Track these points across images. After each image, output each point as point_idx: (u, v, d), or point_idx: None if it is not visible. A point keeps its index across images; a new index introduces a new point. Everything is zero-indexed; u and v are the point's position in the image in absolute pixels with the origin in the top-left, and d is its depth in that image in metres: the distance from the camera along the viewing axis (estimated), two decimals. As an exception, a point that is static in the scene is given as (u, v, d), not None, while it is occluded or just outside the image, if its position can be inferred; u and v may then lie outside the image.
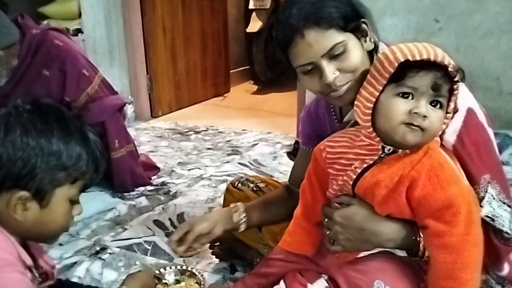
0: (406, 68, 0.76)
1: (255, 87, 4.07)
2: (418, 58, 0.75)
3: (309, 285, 0.92)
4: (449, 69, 0.75)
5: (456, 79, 0.76)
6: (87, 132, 0.77)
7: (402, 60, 0.76)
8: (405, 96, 0.77)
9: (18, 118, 0.71)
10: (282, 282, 1.01)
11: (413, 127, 0.76)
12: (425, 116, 0.75)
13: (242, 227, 1.14)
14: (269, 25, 3.68)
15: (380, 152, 0.82)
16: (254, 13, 3.76)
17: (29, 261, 0.75)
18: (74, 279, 1.32)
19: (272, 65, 3.97)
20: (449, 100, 0.78)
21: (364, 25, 0.89)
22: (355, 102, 0.84)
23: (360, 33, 0.89)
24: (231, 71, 3.94)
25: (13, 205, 0.71)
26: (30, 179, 0.71)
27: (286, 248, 1.01)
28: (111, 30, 2.87)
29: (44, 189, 0.72)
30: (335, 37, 0.85)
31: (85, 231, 1.61)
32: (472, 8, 1.94)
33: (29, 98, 0.75)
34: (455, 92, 0.78)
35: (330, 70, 0.86)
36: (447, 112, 0.79)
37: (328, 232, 0.89)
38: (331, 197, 0.91)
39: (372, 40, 0.91)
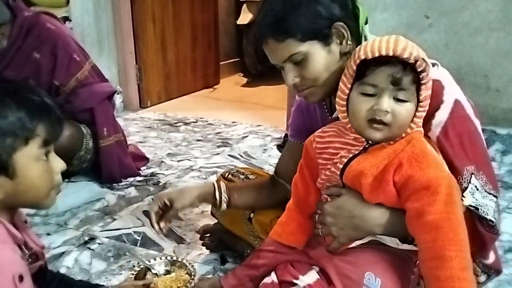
0: (365, 66, 0.79)
1: (245, 80, 4.06)
2: (375, 55, 0.77)
3: (300, 276, 0.93)
4: (409, 61, 0.76)
5: (420, 69, 0.77)
6: (22, 91, 0.75)
7: (361, 58, 0.79)
8: (368, 94, 0.80)
9: None
10: (273, 274, 1.01)
11: (375, 124, 0.79)
12: (387, 111, 0.78)
13: (223, 206, 1.15)
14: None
15: (365, 143, 0.84)
16: (244, 5, 3.74)
17: (19, 237, 0.74)
18: (63, 269, 1.31)
19: (262, 58, 3.94)
20: (418, 89, 0.79)
21: (337, 30, 0.90)
22: (336, 99, 0.87)
23: (328, 39, 0.90)
24: (220, 63, 3.92)
25: None
26: None
27: (277, 238, 1.02)
28: (100, 19, 2.82)
29: (1, 161, 0.70)
30: (291, 48, 0.89)
31: (73, 220, 1.59)
32: (462, 5, 1.96)
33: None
34: (423, 81, 0.78)
35: (290, 76, 0.92)
36: (419, 101, 0.80)
37: (321, 228, 0.90)
38: (321, 187, 0.92)
39: (349, 42, 0.91)
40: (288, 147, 1.21)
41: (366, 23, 0.95)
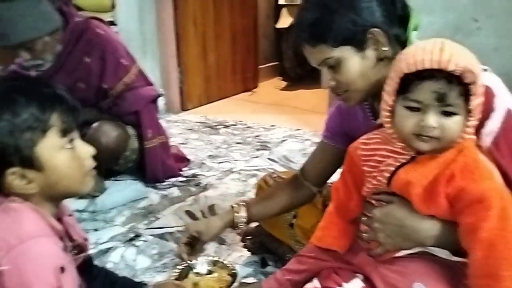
0: (408, 80, 0.76)
1: (284, 83, 4.06)
2: (417, 68, 0.74)
3: (344, 284, 0.92)
4: (455, 73, 0.72)
5: (467, 81, 0.73)
6: (31, 86, 0.76)
7: (403, 73, 0.76)
8: (414, 108, 0.77)
9: None
10: (315, 280, 1.01)
11: (423, 137, 0.76)
12: (434, 127, 0.75)
13: (242, 226, 1.17)
14: (300, 21, 3.66)
15: (413, 152, 0.82)
16: (284, 9, 3.75)
17: (59, 228, 0.77)
18: (109, 264, 1.36)
19: (302, 61, 3.94)
20: (467, 100, 0.75)
21: (373, 36, 0.89)
22: (380, 105, 0.85)
23: (362, 45, 0.89)
24: (259, 67, 3.95)
25: (14, 185, 0.73)
26: (5, 157, 0.71)
27: (317, 243, 1.01)
28: (144, 23, 2.92)
29: (24, 156, 0.72)
30: (324, 53, 0.90)
31: (120, 218, 1.66)
32: (513, 8, 1.88)
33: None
34: (471, 92, 0.74)
35: (326, 79, 0.94)
36: (469, 112, 0.76)
37: (366, 233, 0.89)
38: (368, 195, 0.91)
39: (385, 48, 0.90)
40: (319, 148, 1.20)
41: (415, 29, 0.93)
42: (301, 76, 4.10)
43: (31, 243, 0.70)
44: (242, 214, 1.15)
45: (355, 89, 0.93)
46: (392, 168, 0.83)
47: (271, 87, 3.97)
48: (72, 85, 1.72)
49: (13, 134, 0.71)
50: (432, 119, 0.75)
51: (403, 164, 0.82)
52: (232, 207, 1.17)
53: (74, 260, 0.83)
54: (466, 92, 0.74)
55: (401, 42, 0.92)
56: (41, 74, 1.73)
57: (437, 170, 0.78)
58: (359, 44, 0.90)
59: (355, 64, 0.91)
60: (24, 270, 0.67)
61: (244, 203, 1.18)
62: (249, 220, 1.16)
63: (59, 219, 0.80)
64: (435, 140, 0.77)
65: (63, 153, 0.76)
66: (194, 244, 1.15)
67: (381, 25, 0.89)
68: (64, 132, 0.76)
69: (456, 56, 0.73)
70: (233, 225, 1.16)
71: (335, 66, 0.91)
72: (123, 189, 1.83)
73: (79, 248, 0.87)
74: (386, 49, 0.90)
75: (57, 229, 0.77)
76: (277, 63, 4.25)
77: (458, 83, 0.73)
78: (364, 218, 0.88)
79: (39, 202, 0.76)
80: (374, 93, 0.96)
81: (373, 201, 0.88)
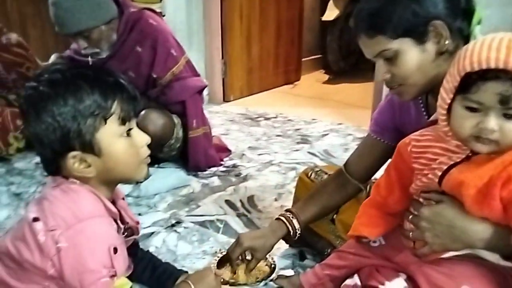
0: (470, 79, 0.71)
1: (326, 77, 4.00)
2: (482, 67, 0.69)
3: (386, 282, 0.90)
4: None
5: None
6: (95, 73, 0.79)
7: (465, 71, 0.71)
8: (473, 109, 0.72)
9: (33, 98, 0.75)
10: (356, 276, 1.00)
11: (482, 139, 0.72)
12: (495, 130, 0.71)
13: (298, 233, 1.17)
14: (345, 14, 3.58)
15: (468, 151, 0.78)
16: (331, 1, 3.67)
17: (114, 211, 0.81)
18: (152, 248, 1.41)
19: (346, 54, 3.88)
20: None
21: (435, 28, 0.85)
22: (437, 101, 0.81)
23: (423, 38, 0.86)
24: (302, 59, 3.91)
25: (74, 168, 0.76)
26: (68, 141, 0.74)
27: (352, 233, 0.98)
28: (191, 15, 2.97)
29: (85, 142, 0.75)
30: (381, 44, 0.88)
31: (162, 204, 1.71)
32: None
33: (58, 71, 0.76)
34: None
35: (382, 71, 0.92)
36: None
37: (411, 231, 0.86)
38: (416, 193, 0.88)
39: (447, 42, 0.86)
40: (366, 142, 1.17)
41: (479, 23, 0.89)
42: (344, 69, 4.03)
43: (88, 223, 0.73)
44: (296, 225, 1.15)
45: (411, 83, 0.90)
46: (445, 167, 0.80)
47: (313, 80, 3.92)
48: (122, 73, 1.78)
49: (76, 119, 0.74)
50: (493, 122, 0.70)
51: (456, 163, 0.79)
52: (281, 220, 1.16)
53: (125, 242, 0.87)
54: None
55: (464, 37, 0.88)
56: (95, 61, 1.80)
57: (493, 171, 0.74)
58: (420, 37, 0.86)
59: (414, 57, 0.88)
60: (80, 248, 0.71)
61: (291, 214, 1.17)
62: (301, 229, 1.16)
63: (113, 202, 0.84)
64: (494, 143, 0.73)
65: (121, 141, 0.79)
66: (243, 258, 1.17)
67: (444, 18, 0.86)
68: (123, 120, 0.79)
69: None
70: (289, 238, 1.16)
71: (392, 59, 0.89)
72: (166, 176, 1.88)
73: (130, 230, 0.90)
74: (448, 42, 0.87)
75: (112, 211, 0.80)
76: (321, 56, 4.19)
77: None
78: (410, 216, 0.85)
79: (96, 185, 0.80)
80: (430, 88, 0.93)
81: (421, 199, 0.85)
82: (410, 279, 0.89)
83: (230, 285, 1.17)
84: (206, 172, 1.99)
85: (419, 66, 0.88)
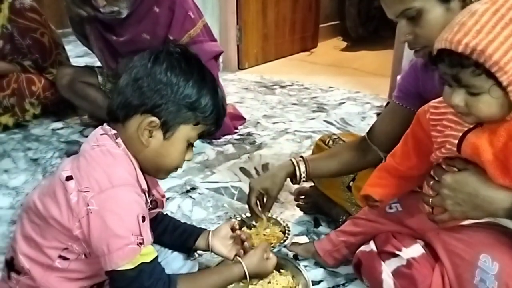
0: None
1: (344, 44, 3.89)
2: (437, 48, 0.69)
3: (403, 248, 0.89)
4: (465, 53, 0.65)
5: (481, 61, 0.65)
6: (218, 87, 0.84)
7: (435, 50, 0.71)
8: (447, 84, 0.72)
9: (167, 56, 0.78)
10: (372, 243, 0.99)
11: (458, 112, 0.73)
12: (459, 105, 0.70)
13: (301, 182, 1.15)
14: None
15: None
16: (350, -36, 3.53)
17: (144, 185, 0.81)
18: (167, 213, 1.42)
19: (365, 20, 3.75)
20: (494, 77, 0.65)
21: None
22: None
23: None
24: (320, 26, 3.79)
25: (142, 128, 0.77)
26: (162, 110, 0.77)
27: (362, 193, 0.96)
28: (205, -22, 2.88)
29: (171, 122, 0.78)
30: (404, 2, 0.84)
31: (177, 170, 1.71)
32: None
33: (177, 45, 0.82)
34: (493, 70, 0.65)
35: (403, 32, 0.88)
36: (503, 88, 0.66)
37: (432, 198, 0.83)
38: (437, 160, 0.84)
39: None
40: (390, 109, 1.13)
41: None
42: (363, 36, 3.90)
43: (121, 189, 0.74)
44: (302, 168, 1.13)
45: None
46: (459, 134, 0.76)
47: (330, 47, 3.82)
48: (138, 36, 1.77)
49: (183, 103, 0.78)
50: (457, 98, 0.70)
51: (471, 129, 0.76)
52: (291, 160, 1.15)
53: (149, 214, 0.87)
54: (487, 71, 0.65)
55: None
56: (113, 20, 1.77)
57: (506, 137, 0.71)
58: None
59: (438, 16, 0.83)
60: (110, 213, 0.71)
61: (302, 158, 1.15)
62: (308, 176, 1.14)
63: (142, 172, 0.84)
64: (471, 115, 0.71)
65: (184, 143, 0.81)
66: (261, 203, 1.16)
67: None
68: (201, 135, 0.83)
69: (471, 35, 0.65)
70: (294, 177, 1.14)
71: (415, 18, 0.85)
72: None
73: (155, 203, 0.91)
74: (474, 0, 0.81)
75: (143, 184, 0.81)
76: (339, 22, 4.06)
77: (473, 63, 0.66)
78: (431, 182, 0.83)
79: (137, 154, 0.80)
80: None
81: (443, 166, 0.82)
82: (428, 246, 0.88)
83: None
84: (221, 140, 1.98)
85: (444, 26, 0.82)
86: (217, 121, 0.83)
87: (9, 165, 1.73)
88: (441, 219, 0.82)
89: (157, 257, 0.76)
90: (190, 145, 0.83)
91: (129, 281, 0.72)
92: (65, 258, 0.76)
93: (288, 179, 1.16)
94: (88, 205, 0.71)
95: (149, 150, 0.79)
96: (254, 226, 1.29)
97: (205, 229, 1.07)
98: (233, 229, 1.03)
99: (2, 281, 0.84)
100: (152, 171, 0.84)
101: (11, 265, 0.80)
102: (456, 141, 0.77)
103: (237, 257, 0.94)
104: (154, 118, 0.77)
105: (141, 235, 0.73)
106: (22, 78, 2.04)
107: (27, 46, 2.04)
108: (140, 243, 0.72)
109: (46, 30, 2.08)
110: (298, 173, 1.13)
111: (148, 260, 0.74)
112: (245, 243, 0.99)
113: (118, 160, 0.77)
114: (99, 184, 0.72)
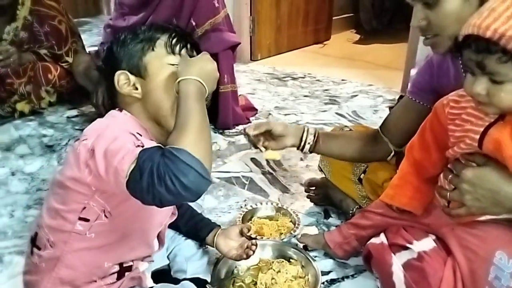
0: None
1: (357, 36, 3.85)
2: (464, 34, 0.69)
3: (414, 241, 0.89)
4: (493, 39, 0.64)
5: (509, 47, 0.64)
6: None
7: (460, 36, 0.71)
8: (471, 72, 0.71)
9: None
10: (382, 235, 0.99)
11: (479, 102, 0.72)
12: (480, 94, 0.69)
13: (306, 149, 1.12)
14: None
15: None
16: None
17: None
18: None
19: (379, 13, 3.70)
20: None
21: None
22: None
23: None
24: (333, 18, 3.76)
25: (121, 86, 0.80)
26: (118, 62, 0.81)
27: (389, 201, 0.98)
28: (219, -32, 2.87)
29: (132, 63, 0.80)
30: None
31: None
32: None
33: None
34: None
35: (417, 17, 0.87)
36: None
37: (450, 192, 0.82)
38: (454, 156, 0.84)
39: None
40: (403, 104, 1.12)
41: None
42: (376, 29, 3.87)
43: (115, 126, 0.75)
44: (309, 139, 1.11)
45: (447, 35, 0.85)
46: (480, 129, 0.76)
47: (343, 40, 3.79)
48: (168, 20, 1.79)
49: (127, 45, 0.82)
50: (480, 87, 0.69)
51: (491, 124, 0.75)
52: (305, 127, 1.13)
53: None
54: None
55: None
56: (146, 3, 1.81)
57: None
58: None
59: (455, 6, 0.82)
60: (106, 140, 0.70)
61: (314, 130, 1.13)
62: (313, 149, 1.12)
63: None
64: (492, 105, 0.70)
65: (168, 67, 0.80)
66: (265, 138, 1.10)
67: None
68: (172, 49, 0.81)
69: (500, 20, 0.65)
70: (300, 142, 1.11)
71: (432, 4, 0.84)
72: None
73: None
74: None
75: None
76: (352, 14, 4.02)
77: (501, 50, 0.65)
78: (450, 176, 0.82)
79: (144, 119, 0.81)
80: None
81: (462, 160, 0.81)
82: (439, 240, 0.88)
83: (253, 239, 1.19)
84: (232, 131, 1.98)
85: (459, 16, 0.82)
86: (164, 28, 0.83)
87: (25, 151, 1.77)
88: (457, 213, 0.81)
89: (159, 146, 0.69)
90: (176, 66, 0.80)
91: (136, 177, 0.64)
92: (85, 220, 0.76)
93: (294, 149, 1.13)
94: (90, 148, 0.71)
95: (145, 99, 0.80)
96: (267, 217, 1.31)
97: (218, 226, 1.09)
98: (242, 233, 1.05)
99: (26, 257, 0.86)
100: (166, 114, 0.80)
101: (34, 241, 0.82)
102: (478, 136, 0.76)
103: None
104: (118, 71, 0.80)
105: (138, 140, 0.69)
106: (39, 66, 2.07)
107: (45, 33, 2.06)
108: (140, 146, 0.68)
109: (63, 18, 2.10)
110: (303, 141, 1.11)
111: (146, 147, 0.67)
112: (249, 251, 1.00)
113: (118, 118, 0.79)
114: (96, 130, 0.74)
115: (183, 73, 0.74)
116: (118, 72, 0.80)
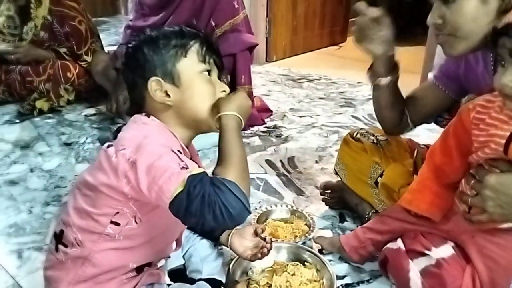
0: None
1: (374, 39, 3.82)
2: (506, 21, 0.68)
3: (433, 248, 0.88)
4: None
5: None
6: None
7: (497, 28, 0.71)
8: (502, 64, 0.71)
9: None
10: (399, 240, 0.98)
11: (507, 95, 0.71)
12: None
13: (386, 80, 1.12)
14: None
15: None
16: (384, -44, 3.45)
17: (186, 151, 0.81)
18: (194, 201, 1.45)
19: (397, 16, 3.66)
20: None
21: None
22: None
23: None
24: (350, 20, 3.74)
25: (153, 92, 0.79)
26: (151, 68, 0.80)
27: (407, 206, 0.97)
28: (236, -30, 2.87)
29: (166, 69, 0.79)
30: None
31: (205, 160, 1.73)
32: None
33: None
34: None
35: (433, 14, 0.87)
36: None
37: (471, 197, 0.82)
38: (477, 162, 0.82)
39: None
40: (426, 86, 1.12)
41: None
42: (393, 32, 3.82)
43: (153, 136, 0.75)
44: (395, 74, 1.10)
45: (461, 36, 0.85)
46: (506, 133, 0.74)
47: (360, 42, 3.76)
48: (188, 20, 1.81)
49: (160, 51, 0.81)
50: (508, 77, 0.69)
51: None
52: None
53: None
54: None
55: None
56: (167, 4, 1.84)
57: None
58: None
59: (472, 6, 0.82)
60: (148, 155, 0.71)
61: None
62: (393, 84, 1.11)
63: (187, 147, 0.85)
64: None
65: (201, 76, 0.81)
66: None
67: None
68: (204, 58, 0.81)
69: None
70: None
71: (450, 2, 0.83)
72: (208, 134, 1.88)
73: None
74: None
75: (185, 151, 0.80)
76: (369, 17, 3.99)
77: None
78: (472, 181, 0.81)
79: (173, 125, 0.81)
80: (480, 49, 0.86)
81: (486, 166, 0.80)
82: (458, 248, 0.86)
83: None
84: (247, 132, 1.99)
85: (475, 17, 0.82)
86: (196, 35, 0.82)
87: (44, 148, 1.80)
88: (478, 220, 0.80)
89: (205, 172, 0.71)
90: (209, 74, 0.82)
91: (182, 200, 0.67)
92: (116, 224, 0.78)
93: None
94: (129, 159, 0.72)
95: (177, 106, 0.80)
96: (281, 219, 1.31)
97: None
98: (256, 233, 1.04)
99: (49, 253, 0.87)
100: (199, 123, 0.82)
101: (59, 238, 0.83)
102: (503, 141, 0.75)
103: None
104: (152, 77, 0.79)
105: (182, 161, 0.71)
106: (58, 64, 2.10)
107: (65, 33, 2.10)
108: (184, 167, 0.70)
109: (83, 19, 2.13)
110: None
111: (194, 172, 0.69)
112: (264, 250, 0.99)
113: (150, 125, 0.79)
114: (134, 140, 0.74)
115: (224, 108, 0.78)
116: (152, 78, 0.79)
